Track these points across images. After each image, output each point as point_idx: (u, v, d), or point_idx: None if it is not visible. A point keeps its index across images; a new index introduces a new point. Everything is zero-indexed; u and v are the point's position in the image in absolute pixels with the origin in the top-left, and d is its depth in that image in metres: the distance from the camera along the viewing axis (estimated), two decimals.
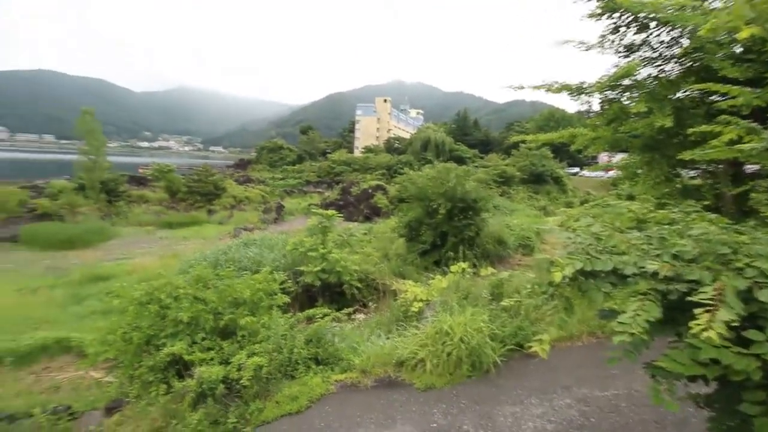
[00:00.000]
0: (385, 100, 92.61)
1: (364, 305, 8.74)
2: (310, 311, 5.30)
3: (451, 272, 5.95)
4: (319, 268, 8.07)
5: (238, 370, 3.83)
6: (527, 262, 10.03)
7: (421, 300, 5.68)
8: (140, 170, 41.61)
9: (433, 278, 6.61)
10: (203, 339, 4.32)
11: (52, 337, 7.27)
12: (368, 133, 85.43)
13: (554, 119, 58.92)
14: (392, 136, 78.34)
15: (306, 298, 8.43)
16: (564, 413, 3.43)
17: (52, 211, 21.94)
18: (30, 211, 22.19)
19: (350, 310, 6.26)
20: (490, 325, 4.14)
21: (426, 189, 10.71)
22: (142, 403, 3.85)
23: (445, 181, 10.38)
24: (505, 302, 3.22)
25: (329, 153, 65.24)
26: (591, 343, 4.81)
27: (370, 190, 29.21)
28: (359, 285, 8.64)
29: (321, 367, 4.51)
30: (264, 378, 3.92)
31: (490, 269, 5.82)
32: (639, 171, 5.54)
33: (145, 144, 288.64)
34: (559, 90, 4.98)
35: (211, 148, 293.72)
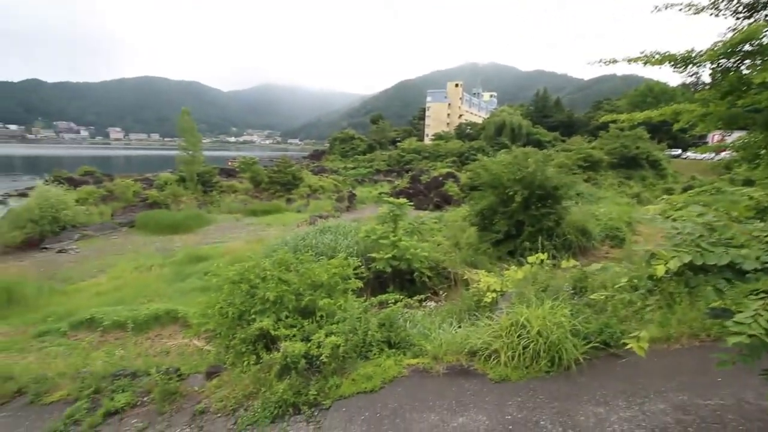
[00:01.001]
0: (457, 85, 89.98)
1: (435, 293, 8.75)
2: (383, 296, 5.46)
3: (528, 263, 5.67)
4: (389, 255, 8.24)
5: (318, 347, 4.11)
6: (615, 255, 9.15)
7: (495, 291, 5.52)
8: (229, 163, 45.91)
9: (508, 269, 6.36)
10: (287, 317, 4.69)
11: (162, 308, 8.44)
12: (438, 119, 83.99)
13: (652, 94, 51.88)
14: (464, 121, 76.00)
15: (377, 283, 8.69)
16: (657, 419, 3.11)
17: (160, 200, 25.25)
18: (143, 200, 25.80)
19: (421, 297, 6.30)
20: (573, 320, 3.87)
21: (501, 176, 10.26)
22: (237, 371, 4.31)
23: (523, 167, 9.84)
24: (594, 296, 2.98)
25: (399, 141, 65.56)
26: (692, 345, 4.25)
27: (440, 178, 28.85)
28: (429, 273, 8.66)
29: (393, 350, 4.63)
30: (341, 356, 4.15)
31: (572, 261, 5.42)
32: (762, 152, 4.69)
33: (232, 139, 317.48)
34: (660, 61, 4.36)
35: (289, 140, 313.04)
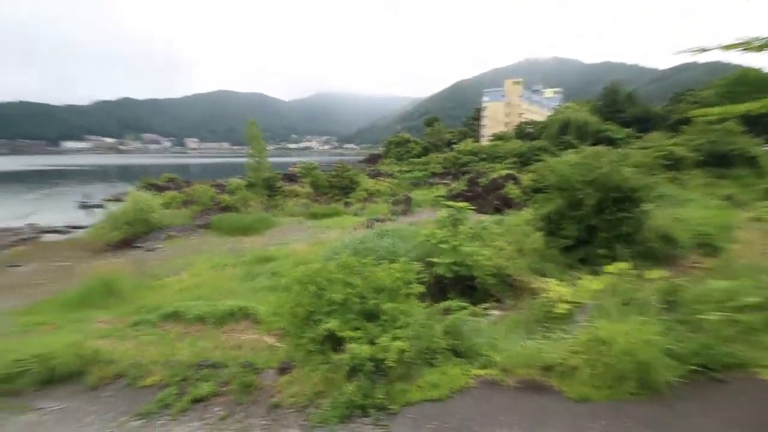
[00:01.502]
0: (515, 82, 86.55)
1: (498, 301, 8.43)
2: (446, 303, 5.38)
3: (606, 272, 5.25)
4: (450, 260, 8.09)
5: (384, 351, 4.14)
6: (707, 265, 8.14)
7: (568, 301, 5.17)
8: (290, 168, 48.29)
9: (580, 278, 5.94)
10: (352, 319, 4.79)
11: (236, 305, 9.03)
12: (496, 119, 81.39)
13: (747, 83, 45.44)
14: (524, 120, 72.82)
15: (437, 289, 8.57)
16: None
17: (231, 204, 27.25)
18: (217, 204, 28.02)
19: (487, 305, 6.11)
20: (664, 339, 3.50)
21: (569, 177, 9.64)
22: (307, 369, 4.49)
23: (595, 168, 9.16)
24: (711, 316, 2.66)
25: (454, 143, 64.47)
26: None
27: (499, 180, 27.86)
28: (492, 280, 8.37)
29: (459, 359, 4.53)
30: (406, 362, 4.14)
31: (659, 272, 4.91)
32: None
33: (293, 145, 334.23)
34: (760, 48, 3.83)
35: (345, 145, 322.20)
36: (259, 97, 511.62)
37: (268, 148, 37.40)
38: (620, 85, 72.46)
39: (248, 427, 4.01)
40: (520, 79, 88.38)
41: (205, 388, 4.81)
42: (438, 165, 50.57)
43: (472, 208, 11.85)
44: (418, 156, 60.54)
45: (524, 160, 40.68)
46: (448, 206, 9.15)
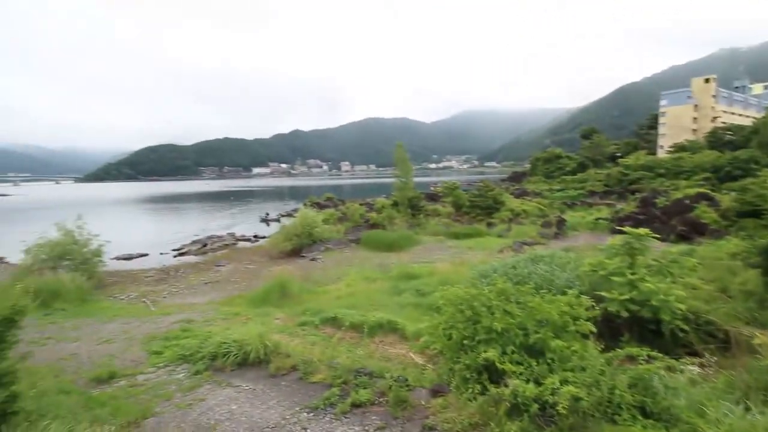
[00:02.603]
0: (707, 80, 70.62)
1: (694, 354, 6.70)
2: (628, 349, 4.50)
3: None
4: (626, 297, 6.84)
5: (552, 394, 3.69)
6: None
7: None
8: (432, 188, 49.58)
9: None
10: (512, 352, 4.45)
11: (385, 318, 9.53)
12: (679, 126, 67.57)
13: None
14: (720, 125, 58.40)
15: (606, 327, 7.33)
16: None
17: (379, 221, 29.42)
18: (366, 221, 30.68)
19: (690, 360, 4.92)
20: None
21: None
22: (463, 396, 4.33)
23: None
24: None
25: (620, 157, 55.78)
26: None
27: (686, 201, 22.67)
28: (685, 326, 6.70)
29: (650, 421, 3.70)
30: (582, 412, 3.59)
31: None
32: None
33: (433, 165, 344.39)
34: None
35: (486, 163, 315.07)
36: (403, 122, 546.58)
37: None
38: None
39: None
40: (714, 76, 71.57)
41: (363, 395, 5.12)
42: (598, 182, 44.49)
43: (659, 237, 9.88)
44: (572, 173, 54.59)
45: (722, 176, 32.31)
46: (622, 231, 7.82)
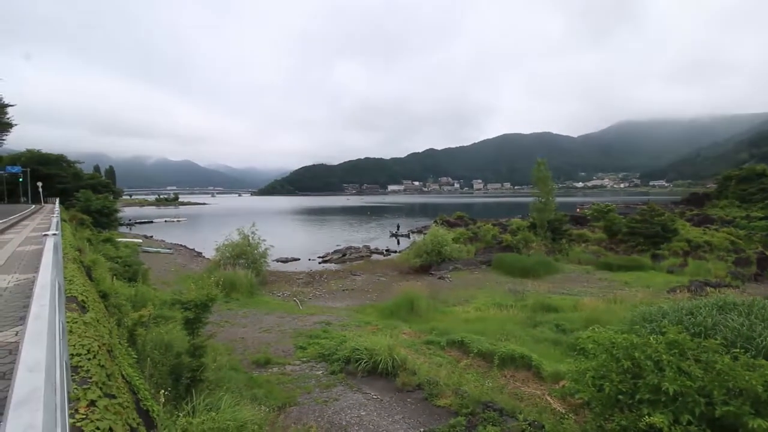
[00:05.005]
0: None
1: None
2: None
3: None
4: None
5: None
6: None
7: None
8: (578, 210, 44.22)
9: None
10: (689, 422, 3.52)
11: (518, 351, 8.74)
12: None
13: None
14: None
15: None
16: None
17: (512, 243, 27.61)
18: (498, 243, 29.12)
19: None
20: None
21: None
22: None
23: None
24: None
25: None
26: None
27: None
28: None
29: None
30: None
31: None
32: None
33: (579, 184, 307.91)
34: None
35: (651, 182, 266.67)
36: (545, 136, 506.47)
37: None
38: None
39: None
40: None
41: None
42: None
43: None
44: None
45: None
46: None
